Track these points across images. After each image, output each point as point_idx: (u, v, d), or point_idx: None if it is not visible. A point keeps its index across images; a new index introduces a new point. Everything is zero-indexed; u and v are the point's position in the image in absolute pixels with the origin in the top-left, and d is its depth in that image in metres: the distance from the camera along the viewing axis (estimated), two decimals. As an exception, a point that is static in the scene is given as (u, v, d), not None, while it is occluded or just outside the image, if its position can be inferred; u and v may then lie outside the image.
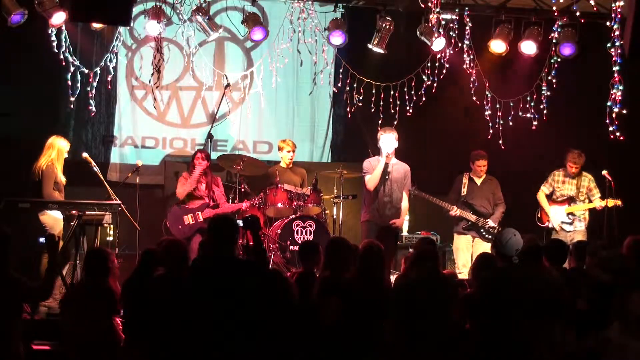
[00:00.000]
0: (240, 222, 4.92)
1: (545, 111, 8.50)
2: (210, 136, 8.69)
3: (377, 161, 7.50)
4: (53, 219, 6.97)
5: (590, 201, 8.29)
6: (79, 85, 8.09)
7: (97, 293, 5.12)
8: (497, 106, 8.62)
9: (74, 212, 6.92)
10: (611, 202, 8.02)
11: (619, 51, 6.89)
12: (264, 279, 4.60)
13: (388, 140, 7.41)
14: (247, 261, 4.66)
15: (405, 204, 7.64)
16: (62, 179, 7.23)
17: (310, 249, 5.67)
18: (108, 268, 5.19)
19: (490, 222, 8.13)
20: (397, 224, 7.58)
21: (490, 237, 8.10)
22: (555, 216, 8.33)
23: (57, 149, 7.23)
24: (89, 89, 8.21)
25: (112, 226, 7.28)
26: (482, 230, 8.17)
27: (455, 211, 8.13)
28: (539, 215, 8.52)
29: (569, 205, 8.28)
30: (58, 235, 6.72)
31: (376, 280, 4.95)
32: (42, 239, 6.57)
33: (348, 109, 8.67)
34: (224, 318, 4.34)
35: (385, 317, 4.84)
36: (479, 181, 8.34)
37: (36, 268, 6.72)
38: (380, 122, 8.31)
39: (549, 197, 8.44)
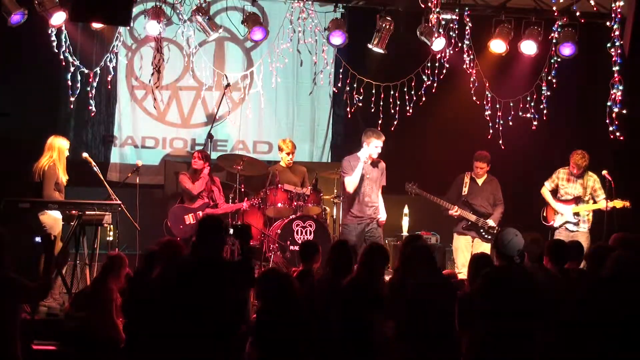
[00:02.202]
0: (231, 230, 4.97)
1: (545, 111, 8.49)
2: (210, 136, 8.69)
3: (356, 160, 7.58)
4: (53, 219, 6.97)
5: (595, 202, 8.24)
6: (79, 85, 8.08)
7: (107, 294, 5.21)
8: (497, 106, 8.61)
9: (74, 212, 6.92)
10: (620, 204, 7.99)
11: (619, 51, 6.89)
12: (245, 283, 4.67)
13: (377, 146, 7.54)
14: (232, 263, 4.70)
15: (381, 198, 7.75)
16: (64, 180, 7.21)
17: (311, 249, 5.70)
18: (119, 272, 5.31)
19: (490, 222, 8.13)
20: (381, 221, 7.70)
21: (489, 237, 8.10)
22: (561, 215, 8.30)
23: (58, 148, 7.22)
24: (89, 89, 8.20)
25: (112, 226, 7.28)
26: (481, 230, 8.16)
27: (455, 211, 8.13)
28: (544, 215, 8.47)
29: (576, 205, 8.24)
30: (55, 235, 6.70)
31: (373, 280, 4.98)
32: (37, 239, 6.57)
33: (348, 109, 8.67)
34: (205, 318, 4.38)
35: (378, 315, 4.87)
36: (480, 181, 8.33)
37: (36, 268, 6.72)
38: (380, 122, 8.31)
39: (554, 196, 8.40)
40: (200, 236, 4.65)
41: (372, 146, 7.54)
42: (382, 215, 7.74)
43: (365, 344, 4.85)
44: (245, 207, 8.15)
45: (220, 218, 5.03)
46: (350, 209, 7.63)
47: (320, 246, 5.87)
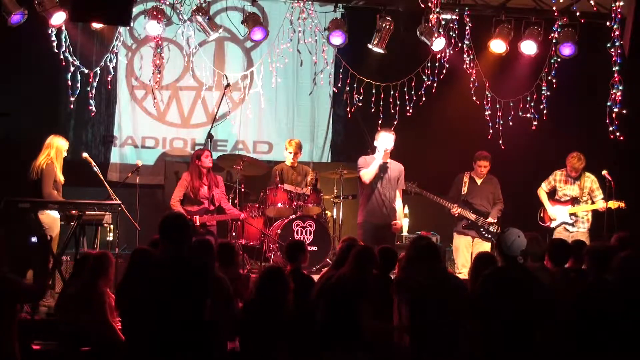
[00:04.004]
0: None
1: (545, 111, 8.51)
2: (210, 136, 8.69)
3: (372, 158, 7.58)
4: (51, 218, 6.96)
5: (592, 202, 8.26)
6: (79, 85, 8.10)
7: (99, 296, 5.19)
8: (497, 106, 8.63)
9: (74, 212, 6.92)
10: (615, 204, 7.99)
11: (619, 51, 6.89)
12: (209, 279, 4.65)
13: (387, 138, 7.50)
14: (197, 262, 4.67)
15: (399, 202, 7.70)
16: (61, 178, 7.22)
17: (297, 248, 5.72)
18: (107, 271, 5.28)
19: (490, 220, 8.15)
20: (398, 226, 7.65)
21: (489, 236, 8.11)
22: (558, 216, 8.31)
23: (56, 147, 7.23)
24: (89, 89, 8.22)
25: (112, 226, 7.28)
26: (481, 229, 8.17)
27: (456, 209, 8.14)
28: (541, 215, 8.49)
29: (572, 206, 8.25)
30: (51, 235, 6.69)
31: (361, 280, 5.00)
32: (34, 239, 6.55)
33: (348, 109, 8.67)
34: (175, 317, 4.38)
35: (366, 311, 4.89)
36: (479, 181, 8.34)
37: (35, 267, 6.72)
38: (380, 122, 8.32)
39: (552, 197, 8.42)
40: (165, 235, 4.61)
41: (382, 139, 7.49)
42: (399, 220, 7.71)
43: (354, 339, 4.86)
44: (242, 218, 8.11)
45: (183, 215, 4.97)
46: (365, 208, 7.56)
47: (305, 245, 5.88)
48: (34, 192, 7.01)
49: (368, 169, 7.48)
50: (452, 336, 4.83)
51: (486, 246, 8.08)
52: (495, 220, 8.13)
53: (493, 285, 4.74)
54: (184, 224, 4.63)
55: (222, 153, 9.22)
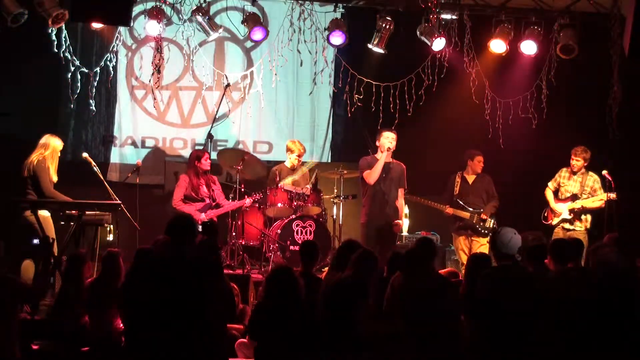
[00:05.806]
0: (199, 227, 4.97)
1: (545, 111, 8.51)
2: (210, 136, 8.69)
3: (374, 159, 7.67)
4: (42, 217, 6.91)
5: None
6: (79, 85, 8.10)
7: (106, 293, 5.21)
8: (497, 106, 8.63)
9: (74, 212, 6.91)
10: (605, 197, 8.00)
11: (618, 51, 6.90)
12: (213, 280, 4.67)
13: (390, 137, 7.62)
14: (201, 263, 4.68)
15: (401, 201, 7.78)
16: (54, 178, 7.20)
17: (313, 250, 5.71)
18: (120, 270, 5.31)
19: (483, 215, 8.18)
20: (400, 226, 7.73)
21: (485, 231, 8.13)
22: (558, 216, 8.31)
23: (52, 147, 7.22)
24: (89, 88, 8.21)
25: (112, 226, 7.27)
26: (477, 226, 8.19)
27: (448, 209, 8.18)
28: (545, 214, 8.48)
29: (572, 202, 8.26)
30: (53, 237, 6.68)
31: (362, 283, 5.01)
32: (35, 241, 6.54)
33: (348, 109, 8.68)
34: (174, 316, 4.39)
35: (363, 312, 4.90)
36: (470, 179, 8.39)
37: (36, 268, 6.72)
38: (380, 122, 8.32)
39: (554, 194, 8.42)
40: (172, 236, 4.63)
41: (384, 139, 7.63)
42: (401, 220, 7.80)
43: (354, 341, 4.86)
44: (247, 204, 8.14)
45: (190, 217, 5.00)
46: (368, 209, 7.63)
47: (319, 247, 5.87)
48: (26, 190, 6.99)
49: (373, 170, 7.55)
50: (449, 336, 4.83)
51: (483, 242, 8.09)
52: (489, 216, 8.15)
53: (492, 284, 4.74)
54: (190, 224, 4.66)
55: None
